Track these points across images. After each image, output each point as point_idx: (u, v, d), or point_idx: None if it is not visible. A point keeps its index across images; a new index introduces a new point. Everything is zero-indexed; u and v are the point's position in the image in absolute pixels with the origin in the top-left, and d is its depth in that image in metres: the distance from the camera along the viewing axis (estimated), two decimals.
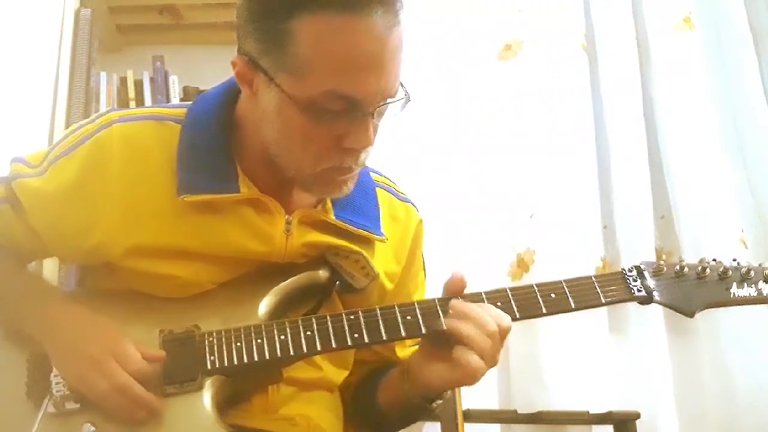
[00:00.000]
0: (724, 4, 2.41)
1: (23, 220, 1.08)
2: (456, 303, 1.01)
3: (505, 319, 1.01)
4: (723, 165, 2.26)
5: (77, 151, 1.05)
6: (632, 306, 2.16)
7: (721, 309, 2.14)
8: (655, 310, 2.14)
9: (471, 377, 0.99)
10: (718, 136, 2.29)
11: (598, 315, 2.16)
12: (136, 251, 1.03)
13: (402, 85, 0.99)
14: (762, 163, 2.29)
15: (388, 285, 1.17)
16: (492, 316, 0.99)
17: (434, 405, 1.09)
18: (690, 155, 2.27)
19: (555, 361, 2.11)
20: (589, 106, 2.35)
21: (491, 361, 0.99)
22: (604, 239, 2.27)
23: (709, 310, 2.22)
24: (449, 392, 1.09)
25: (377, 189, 1.20)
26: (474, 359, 0.97)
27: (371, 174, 1.21)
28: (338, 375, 1.18)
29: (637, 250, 2.20)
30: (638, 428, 1.93)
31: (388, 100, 0.97)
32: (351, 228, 1.11)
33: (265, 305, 1.05)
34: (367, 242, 1.13)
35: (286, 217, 1.07)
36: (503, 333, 0.99)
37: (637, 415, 1.94)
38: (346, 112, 0.94)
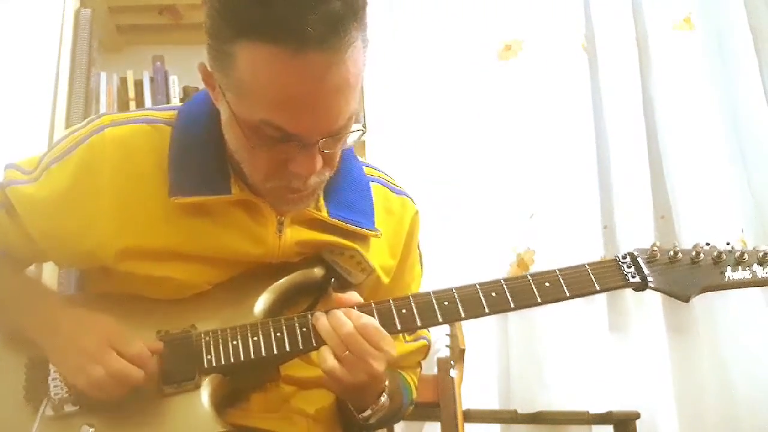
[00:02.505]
0: (724, 4, 2.41)
1: (18, 226, 1.09)
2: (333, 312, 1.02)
3: (362, 318, 1.01)
4: (723, 165, 2.26)
5: (70, 157, 1.06)
6: (632, 305, 2.16)
7: (721, 308, 2.16)
8: (655, 310, 2.14)
9: (335, 382, 1.00)
10: (718, 136, 2.29)
11: (598, 314, 2.16)
12: (129, 254, 1.03)
13: (364, 115, 0.98)
14: (762, 163, 2.29)
15: (384, 279, 1.17)
16: (352, 319, 1.00)
17: (363, 415, 1.08)
18: (690, 155, 2.26)
19: (555, 360, 2.11)
20: (589, 106, 2.35)
21: (352, 364, 0.98)
22: (604, 239, 2.27)
23: (708, 309, 2.24)
24: (383, 399, 1.08)
25: (371, 184, 1.19)
26: (331, 361, 0.98)
27: (365, 168, 1.21)
28: None
29: None
30: (638, 428, 1.93)
31: (335, 134, 0.95)
32: (345, 225, 1.11)
33: (261, 304, 1.06)
34: (362, 237, 1.14)
35: (278, 217, 1.07)
36: (364, 331, 0.99)
37: (637, 415, 1.94)
38: (284, 140, 0.93)
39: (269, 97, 0.90)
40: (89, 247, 1.04)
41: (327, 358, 0.99)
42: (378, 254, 1.16)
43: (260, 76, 0.89)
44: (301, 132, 0.92)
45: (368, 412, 1.07)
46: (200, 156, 1.05)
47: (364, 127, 0.99)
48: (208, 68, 0.97)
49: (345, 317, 1.01)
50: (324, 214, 1.10)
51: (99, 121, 1.07)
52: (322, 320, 1.02)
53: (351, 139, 0.99)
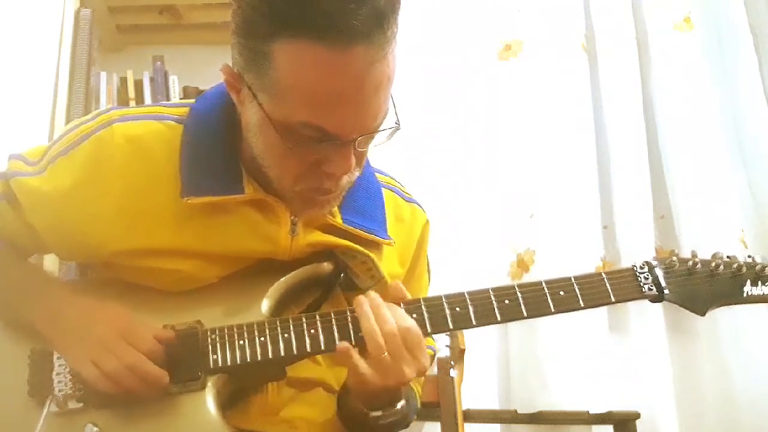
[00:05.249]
0: (724, 4, 2.41)
1: (21, 218, 1.07)
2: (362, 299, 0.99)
3: (407, 321, 0.98)
4: (723, 165, 2.26)
5: (76, 151, 1.04)
6: (632, 305, 2.16)
7: (721, 308, 2.16)
8: (656, 310, 2.14)
9: (361, 383, 0.97)
10: (718, 136, 2.29)
11: (598, 314, 2.16)
12: (138, 253, 1.02)
13: (395, 108, 0.97)
14: (762, 163, 2.29)
15: None
16: (395, 316, 0.97)
17: (374, 415, 1.04)
18: (690, 155, 2.27)
19: (555, 360, 2.11)
20: (589, 106, 2.35)
21: (385, 366, 0.95)
22: (604, 239, 2.27)
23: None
24: (400, 405, 1.05)
25: (383, 190, 1.18)
26: (362, 364, 0.96)
27: (377, 175, 1.19)
28: (338, 373, 1.17)
29: (637, 250, 2.20)
30: (638, 428, 1.93)
31: (371, 132, 0.94)
32: (358, 232, 1.09)
33: (268, 298, 1.04)
34: (375, 245, 1.12)
35: (292, 218, 1.05)
36: (405, 334, 0.96)
37: (637, 415, 1.94)
38: (322, 140, 0.92)
39: (311, 96, 0.89)
40: (94, 244, 1.02)
41: (357, 359, 0.96)
42: (388, 262, 1.14)
43: (301, 77, 0.88)
44: (340, 131, 0.91)
45: (379, 412, 1.04)
46: (212, 156, 1.03)
47: (398, 123, 0.98)
48: (235, 69, 0.95)
49: (390, 314, 0.97)
50: (338, 220, 1.08)
51: (107, 116, 1.05)
52: (367, 318, 0.97)
53: (384, 136, 0.97)
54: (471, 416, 1.94)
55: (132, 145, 1.02)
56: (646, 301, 2.20)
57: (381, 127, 0.96)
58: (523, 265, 2.21)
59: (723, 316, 2.12)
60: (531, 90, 2.34)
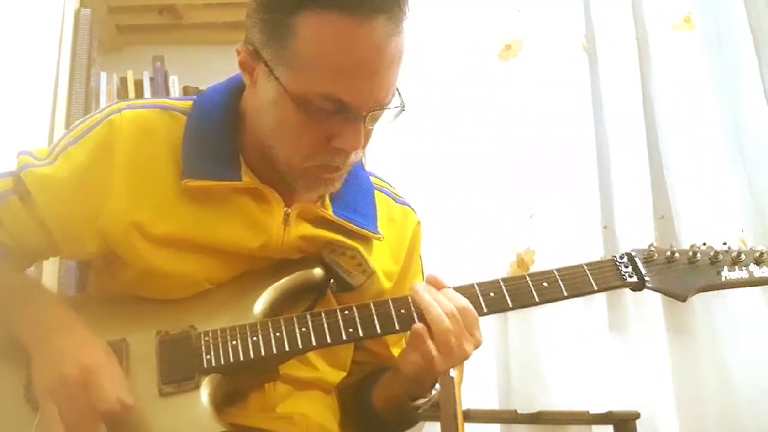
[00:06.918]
0: (724, 4, 2.41)
1: (31, 212, 1.09)
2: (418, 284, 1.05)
3: (462, 300, 1.02)
4: (723, 165, 2.26)
5: (87, 137, 1.08)
6: (632, 305, 2.16)
7: (721, 308, 2.16)
8: (655, 310, 2.14)
9: (428, 361, 1.00)
10: (718, 136, 2.29)
11: (598, 314, 2.16)
12: (136, 228, 1.04)
13: (399, 93, 1.01)
14: (762, 163, 2.29)
15: (386, 284, 1.17)
16: (449, 298, 1.02)
17: (417, 403, 1.09)
18: (690, 155, 2.26)
19: (555, 360, 2.11)
20: (589, 106, 2.35)
21: (451, 347, 0.99)
22: (604, 239, 2.27)
23: (708, 309, 2.24)
24: (434, 392, 1.09)
25: (376, 192, 1.21)
26: (432, 346, 0.99)
27: (371, 177, 1.23)
28: (334, 376, 1.18)
29: None
30: (638, 428, 1.93)
31: (383, 107, 0.99)
32: (349, 225, 1.12)
33: (260, 305, 1.07)
34: (364, 240, 1.15)
35: (285, 209, 1.08)
36: (463, 313, 1.01)
37: (637, 415, 1.93)
38: (337, 113, 0.96)
39: (332, 66, 0.93)
40: (100, 225, 1.05)
41: (431, 341, 0.99)
42: (380, 258, 1.17)
43: (324, 47, 0.92)
44: (357, 102, 0.95)
45: (421, 400, 1.09)
46: (213, 144, 1.07)
47: (402, 105, 1.02)
48: (252, 46, 0.99)
49: (445, 297, 1.02)
50: (329, 212, 1.12)
51: (116, 105, 1.10)
52: (430, 303, 1.01)
53: (391, 115, 1.01)
54: (471, 416, 1.94)
55: (140, 129, 1.07)
56: (646, 301, 2.20)
57: (388, 108, 1.00)
58: (523, 265, 2.21)
59: (722, 315, 2.12)
60: (531, 90, 2.34)
